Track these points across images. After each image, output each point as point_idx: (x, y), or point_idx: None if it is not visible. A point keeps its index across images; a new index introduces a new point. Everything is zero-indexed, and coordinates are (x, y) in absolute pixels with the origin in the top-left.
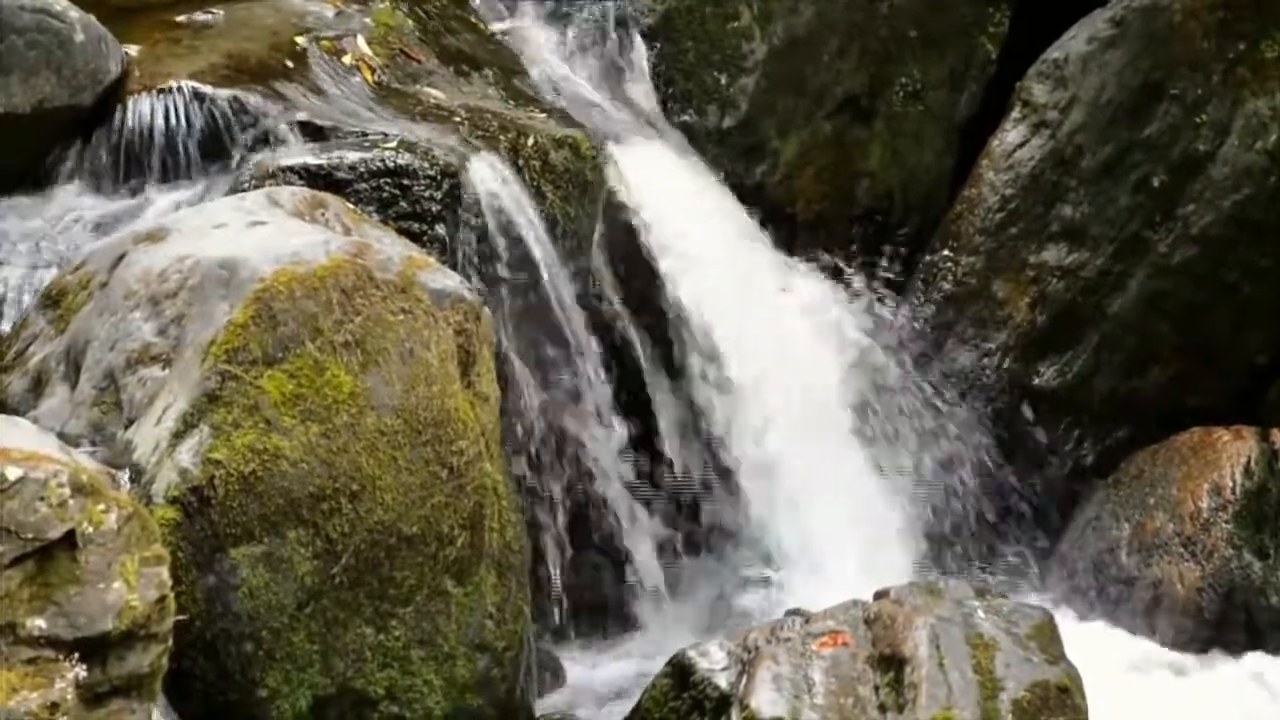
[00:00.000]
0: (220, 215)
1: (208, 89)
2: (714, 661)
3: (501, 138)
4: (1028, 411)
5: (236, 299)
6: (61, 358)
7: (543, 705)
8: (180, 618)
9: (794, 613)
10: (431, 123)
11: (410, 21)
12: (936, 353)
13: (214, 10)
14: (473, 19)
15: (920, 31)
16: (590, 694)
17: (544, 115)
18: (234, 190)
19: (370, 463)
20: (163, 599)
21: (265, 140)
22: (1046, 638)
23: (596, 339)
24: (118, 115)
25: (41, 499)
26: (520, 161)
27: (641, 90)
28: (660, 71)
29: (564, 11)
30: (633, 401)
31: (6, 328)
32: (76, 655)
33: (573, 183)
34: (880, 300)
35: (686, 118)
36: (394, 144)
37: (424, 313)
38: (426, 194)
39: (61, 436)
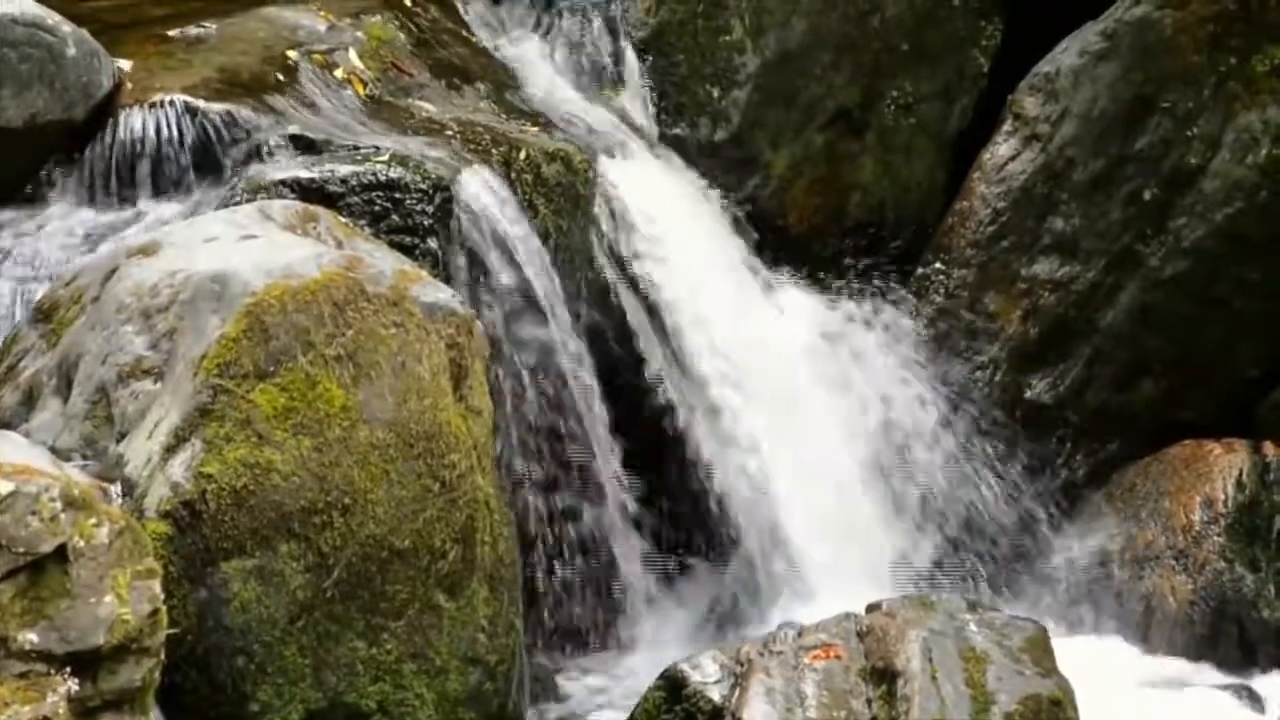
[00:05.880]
0: (212, 229)
1: (200, 103)
2: (706, 674)
3: (494, 151)
4: (1020, 424)
5: (228, 313)
6: (53, 371)
7: (535, 719)
8: (172, 631)
9: (786, 625)
10: (423, 136)
11: (402, 35)
12: (929, 366)
13: (206, 24)
14: (465, 33)
15: (912, 44)
16: (583, 708)
17: (536, 129)
18: (226, 204)
19: (362, 476)
20: (155, 613)
21: (257, 154)
22: (1039, 651)
23: (590, 351)
24: (110, 129)
25: (33, 513)
26: (513, 175)
27: (634, 103)
28: (653, 84)
29: (556, 24)
30: (628, 415)
31: None
32: (68, 669)
33: (565, 196)
34: (873, 313)
35: (679, 131)
36: (386, 157)
37: (416, 326)
38: (418, 207)
39: (53, 450)
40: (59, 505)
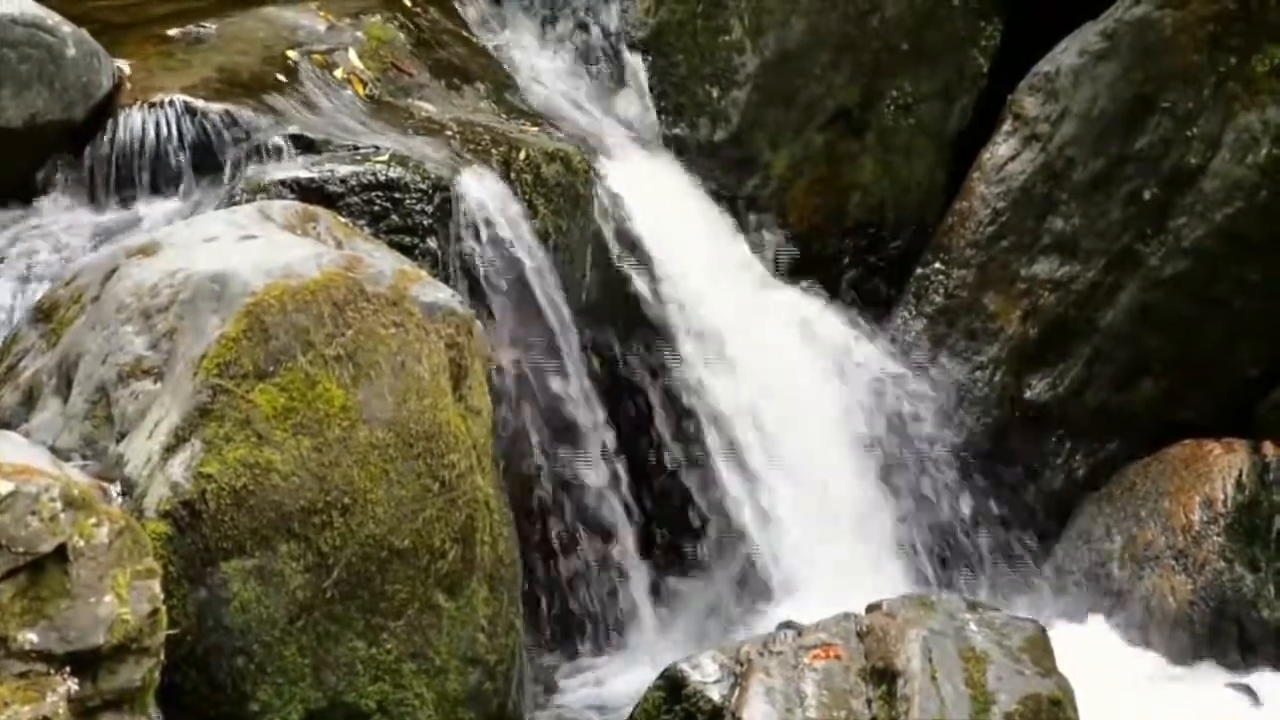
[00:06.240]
0: (212, 229)
1: (199, 102)
2: (706, 674)
3: (493, 151)
4: (1019, 424)
5: (228, 313)
6: (53, 371)
7: (534, 719)
8: (172, 631)
9: (786, 625)
10: (423, 136)
11: (402, 35)
12: (928, 366)
13: (206, 24)
14: (464, 32)
15: (912, 44)
16: (582, 707)
17: (536, 129)
18: (225, 204)
19: (362, 476)
20: (154, 612)
21: (257, 154)
22: (1039, 650)
23: (588, 352)
24: (110, 129)
25: (33, 513)
26: (512, 175)
27: (633, 103)
28: (652, 85)
29: (556, 24)
30: (624, 411)
31: None
32: (68, 669)
33: (565, 196)
34: (872, 313)
35: (678, 131)
36: (385, 157)
37: (416, 326)
38: (418, 207)
39: (53, 450)
40: (59, 505)
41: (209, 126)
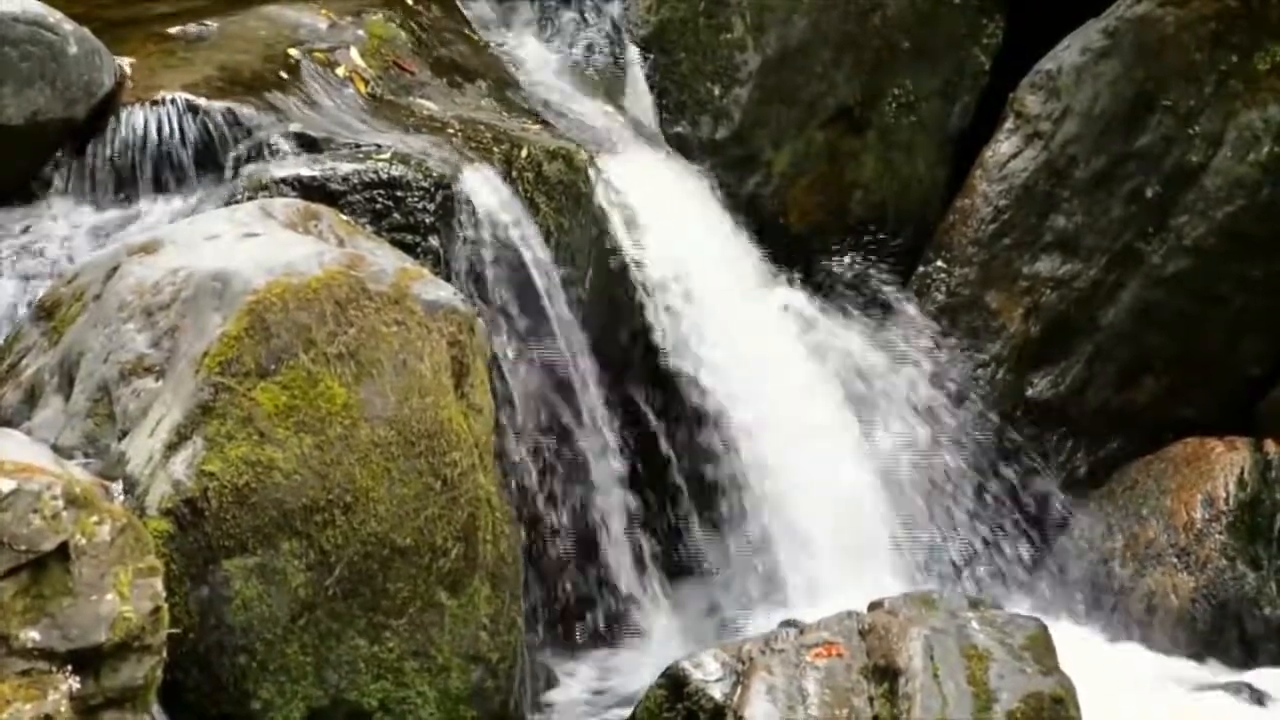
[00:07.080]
0: (213, 227)
1: (201, 101)
2: (708, 673)
3: (495, 149)
4: (1021, 422)
5: (230, 311)
6: (55, 369)
7: (536, 717)
8: (173, 630)
9: (788, 624)
10: (425, 134)
11: (403, 33)
12: (930, 364)
13: (207, 22)
14: (466, 30)
15: (913, 42)
16: (584, 705)
17: (537, 127)
18: (227, 202)
19: (363, 474)
20: (156, 610)
21: (259, 152)
22: (1041, 649)
23: (590, 348)
24: (111, 127)
25: (35, 511)
26: (514, 173)
27: (635, 101)
28: (654, 82)
29: (558, 22)
30: (626, 410)
31: (0, 340)
32: (70, 667)
33: (566, 194)
34: (874, 312)
35: (680, 129)
36: (387, 156)
37: (417, 324)
38: (420, 205)
39: (55, 448)
40: (61, 503)
41: (211, 124)
